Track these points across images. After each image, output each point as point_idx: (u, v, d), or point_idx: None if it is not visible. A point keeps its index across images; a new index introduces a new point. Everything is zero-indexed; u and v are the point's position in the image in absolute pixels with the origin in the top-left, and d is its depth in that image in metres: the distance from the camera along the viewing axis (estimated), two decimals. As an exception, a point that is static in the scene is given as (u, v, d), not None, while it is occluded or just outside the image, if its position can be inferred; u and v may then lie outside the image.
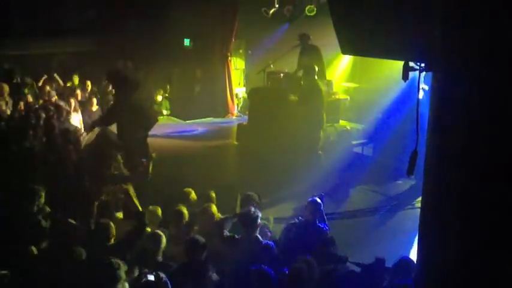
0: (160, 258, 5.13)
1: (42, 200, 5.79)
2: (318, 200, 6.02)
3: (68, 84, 12.26)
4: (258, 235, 5.35)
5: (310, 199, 6.08)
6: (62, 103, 10.64)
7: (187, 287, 4.80)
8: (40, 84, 11.80)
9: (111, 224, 5.27)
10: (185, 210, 5.80)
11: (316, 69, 9.60)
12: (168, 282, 4.49)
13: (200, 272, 4.90)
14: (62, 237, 5.26)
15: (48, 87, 11.55)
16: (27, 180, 6.28)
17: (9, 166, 7.05)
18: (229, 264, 5.16)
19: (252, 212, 5.36)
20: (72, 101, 10.68)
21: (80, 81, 12.38)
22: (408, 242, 6.36)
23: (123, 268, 4.51)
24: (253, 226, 5.32)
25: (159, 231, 5.29)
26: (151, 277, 4.50)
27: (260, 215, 5.45)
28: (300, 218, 6.11)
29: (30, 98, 10.91)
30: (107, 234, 5.20)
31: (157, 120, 8.77)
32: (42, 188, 5.87)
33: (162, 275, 4.52)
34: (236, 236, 5.41)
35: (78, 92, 11.43)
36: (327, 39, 9.34)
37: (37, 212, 5.67)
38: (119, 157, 7.09)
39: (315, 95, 9.41)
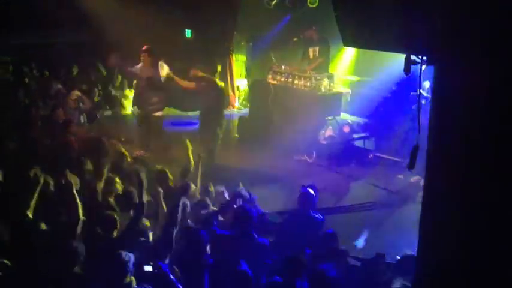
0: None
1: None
2: (311, 191, 5.89)
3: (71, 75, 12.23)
4: (253, 233, 5.23)
5: (302, 189, 5.97)
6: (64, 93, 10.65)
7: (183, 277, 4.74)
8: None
9: (115, 216, 5.15)
10: (187, 201, 5.72)
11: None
12: (169, 271, 4.41)
13: (196, 262, 4.82)
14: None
15: (50, 78, 11.52)
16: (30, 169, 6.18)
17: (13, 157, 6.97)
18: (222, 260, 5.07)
19: (247, 209, 5.27)
20: (74, 92, 10.65)
21: (80, 72, 12.33)
22: (409, 237, 6.29)
23: (132, 260, 4.35)
24: (248, 223, 5.20)
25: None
26: (148, 267, 4.43)
27: (253, 212, 5.34)
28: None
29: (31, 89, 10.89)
30: (110, 226, 5.05)
31: None
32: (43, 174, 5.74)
33: (161, 264, 4.45)
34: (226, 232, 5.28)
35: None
36: (329, 30, 9.31)
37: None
38: (122, 149, 6.99)
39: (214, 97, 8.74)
